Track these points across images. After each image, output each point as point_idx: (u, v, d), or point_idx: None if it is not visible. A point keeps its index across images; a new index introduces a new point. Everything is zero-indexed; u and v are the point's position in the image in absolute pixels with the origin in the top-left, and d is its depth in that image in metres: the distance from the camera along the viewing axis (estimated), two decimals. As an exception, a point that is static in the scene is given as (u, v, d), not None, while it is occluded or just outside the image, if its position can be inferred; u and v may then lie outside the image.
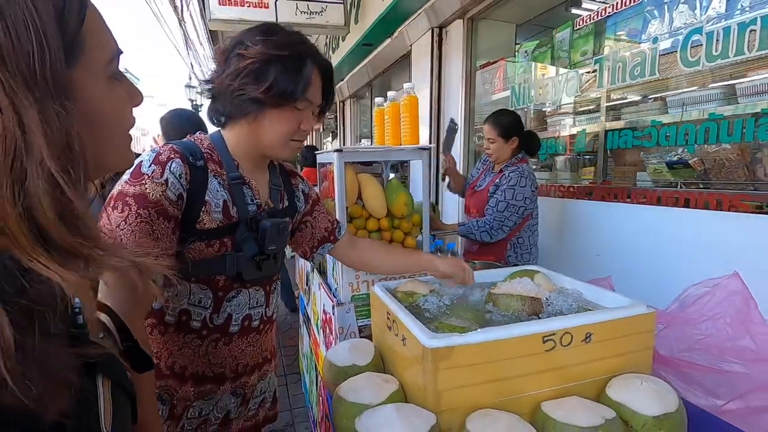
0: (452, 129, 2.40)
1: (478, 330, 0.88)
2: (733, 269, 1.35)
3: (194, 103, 10.29)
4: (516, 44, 3.14)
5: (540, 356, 0.91)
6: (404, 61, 4.51)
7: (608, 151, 2.32)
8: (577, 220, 2.46)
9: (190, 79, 9.96)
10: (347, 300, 1.51)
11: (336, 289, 1.56)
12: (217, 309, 0.90)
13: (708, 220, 1.76)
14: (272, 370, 1.11)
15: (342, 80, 5.89)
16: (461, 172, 2.73)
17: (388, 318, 1.13)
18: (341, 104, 7.48)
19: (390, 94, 1.67)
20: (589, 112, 2.44)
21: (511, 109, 2.98)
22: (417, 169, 1.62)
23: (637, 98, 2.16)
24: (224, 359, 0.91)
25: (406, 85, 1.55)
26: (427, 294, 1.26)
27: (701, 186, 1.85)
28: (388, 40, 4.12)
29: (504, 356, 0.88)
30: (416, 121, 1.55)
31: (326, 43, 5.65)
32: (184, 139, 0.92)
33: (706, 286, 1.48)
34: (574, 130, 2.55)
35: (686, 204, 1.84)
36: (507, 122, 2.18)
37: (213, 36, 6.45)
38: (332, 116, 7.76)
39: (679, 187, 1.92)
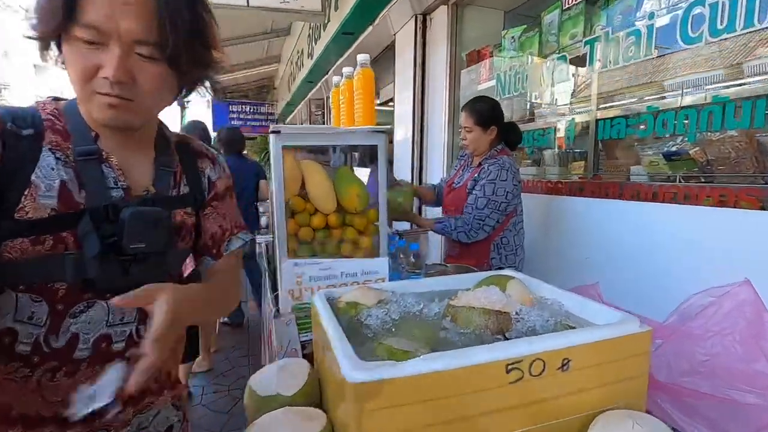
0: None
1: (421, 357, 0.65)
2: (742, 275, 1.13)
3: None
4: (503, 30, 2.92)
5: (503, 390, 0.68)
6: (390, 52, 4.29)
7: (600, 143, 2.10)
8: (565, 218, 2.23)
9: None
10: (288, 310, 1.28)
11: (277, 296, 1.33)
12: (55, 328, 0.66)
13: (711, 218, 1.54)
14: (168, 401, 0.87)
15: (327, 73, 5.66)
16: (442, 175, 2.51)
17: (325, 336, 0.90)
18: (329, 99, 7.25)
19: (345, 70, 1.44)
20: (579, 100, 2.22)
21: (497, 99, 2.77)
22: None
23: (631, 82, 1.94)
24: (66, 395, 0.67)
25: (359, 57, 1.32)
26: (372, 306, 1.03)
27: (703, 180, 1.63)
28: (370, 29, 3.89)
29: (455, 391, 0.65)
30: (371, 99, 1.32)
31: (309, 34, 5.42)
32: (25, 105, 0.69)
33: (711, 296, 1.26)
34: (562, 121, 2.33)
35: (686, 200, 1.62)
36: (485, 109, 1.96)
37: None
38: (320, 112, 7.53)
39: (678, 181, 1.70)
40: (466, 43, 3.29)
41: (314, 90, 6.74)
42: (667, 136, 1.73)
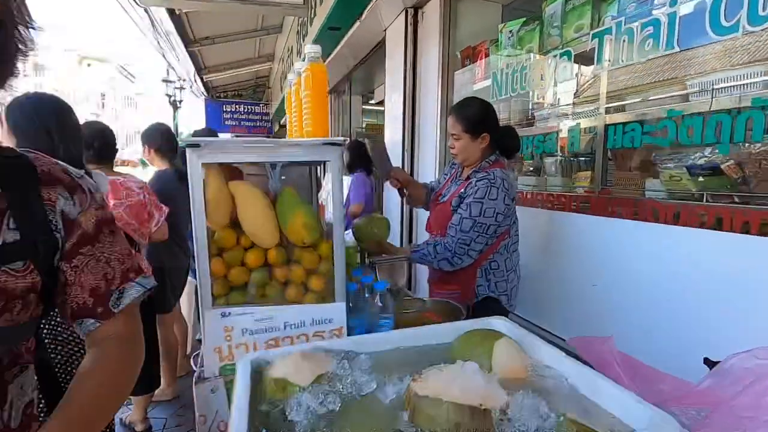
0: (376, 150, 1.91)
1: None
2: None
3: (173, 98, 9.77)
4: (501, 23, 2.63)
5: None
6: (383, 50, 4.01)
7: (609, 152, 1.81)
8: (568, 238, 1.95)
9: (167, 73, 9.43)
10: (214, 373, 1.00)
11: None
12: None
13: (749, 249, 1.25)
14: None
15: (317, 73, 5.37)
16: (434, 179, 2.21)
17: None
18: (322, 101, 6.95)
19: (297, 66, 1.16)
20: (585, 102, 1.94)
21: (493, 100, 2.48)
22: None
23: (648, 82, 1.65)
24: None
25: (308, 49, 1.04)
26: (307, 386, 0.76)
27: (738, 200, 1.34)
28: (358, 23, 3.61)
29: None
30: (323, 102, 1.04)
31: (298, 30, 5.13)
32: None
33: (759, 358, 0.97)
34: (566, 125, 2.04)
35: (717, 225, 1.33)
36: (474, 114, 1.68)
37: (181, 28, 5.94)
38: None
39: (705, 200, 1.41)
40: (462, 39, 3.00)
41: (306, 90, 6.45)
42: (692, 145, 1.44)
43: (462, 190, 1.70)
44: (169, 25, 5.54)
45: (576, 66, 1.93)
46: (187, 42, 6.40)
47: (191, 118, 10.18)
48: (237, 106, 10.19)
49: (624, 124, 1.67)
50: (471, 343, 0.95)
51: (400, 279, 1.47)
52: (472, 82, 2.84)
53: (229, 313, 0.98)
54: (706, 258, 1.38)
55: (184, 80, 9.58)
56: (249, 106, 10.30)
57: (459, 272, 1.70)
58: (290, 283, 1.05)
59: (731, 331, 1.30)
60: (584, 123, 1.92)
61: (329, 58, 4.59)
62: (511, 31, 2.44)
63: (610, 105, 1.78)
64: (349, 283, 1.14)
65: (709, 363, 1.41)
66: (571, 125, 1.98)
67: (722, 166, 1.35)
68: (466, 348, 0.95)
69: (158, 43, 7.12)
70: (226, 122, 10.10)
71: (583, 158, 2.10)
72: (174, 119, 10.04)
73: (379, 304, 1.12)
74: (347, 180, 3.61)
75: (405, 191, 1.93)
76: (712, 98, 1.38)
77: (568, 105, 2.05)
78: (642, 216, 1.59)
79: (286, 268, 1.04)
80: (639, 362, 1.10)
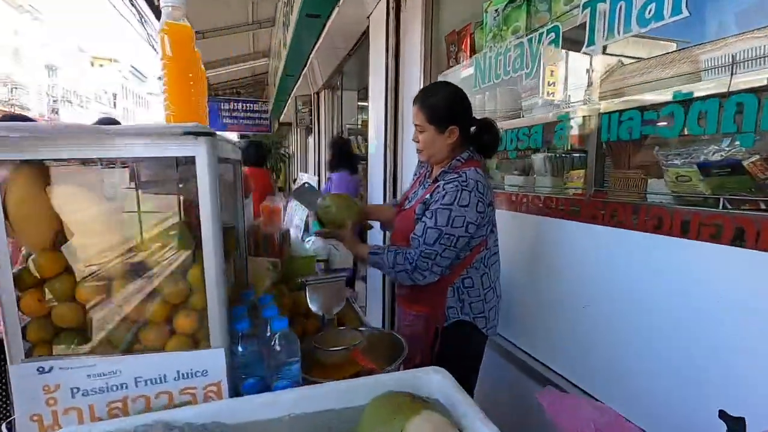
0: (301, 193, 1.67)
1: None
2: None
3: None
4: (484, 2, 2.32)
5: None
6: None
7: (604, 146, 1.50)
8: (557, 249, 1.64)
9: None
10: (31, 449, 0.73)
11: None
12: None
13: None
14: None
15: (305, 66, 5.11)
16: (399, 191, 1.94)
17: None
18: (315, 96, 6.71)
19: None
20: (576, 86, 1.63)
21: (475, 89, 2.18)
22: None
23: (651, 56, 1.34)
24: None
25: (163, 3, 0.76)
26: None
27: (765, 207, 1.03)
28: (337, 10, 3.32)
29: None
30: (188, 74, 0.76)
31: (283, 21, 4.87)
32: None
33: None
34: (554, 115, 1.73)
35: (738, 239, 1.02)
36: (441, 102, 1.39)
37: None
38: (306, 109, 6.99)
39: (721, 206, 1.10)
40: (446, 24, 2.71)
41: (298, 85, 6.20)
42: (705, 136, 1.13)
43: (428, 195, 1.42)
44: (152, 18, 5.31)
45: (565, 44, 1.62)
46: (176, 36, 6.17)
47: (191, 117, 9.95)
48: (235, 104, 9.96)
49: (621, 111, 1.36)
50: (378, 418, 0.67)
51: (336, 304, 1.19)
52: (459, 69, 2.54)
53: (50, 368, 0.71)
54: (722, 281, 1.07)
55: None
56: (247, 104, 10.08)
57: (428, 290, 1.43)
58: (148, 323, 0.78)
59: (752, 376, 1.00)
60: (574, 112, 1.61)
61: (315, 48, 4.31)
62: (496, 10, 2.13)
63: (605, 90, 1.47)
64: (239, 319, 0.86)
65: (727, 418, 1.10)
66: (559, 114, 1.67)
67: (744, 163, 1.04)
68: (370, 426, 0.66)
69: (149, 37, 6.94)
70: (225, 120, 9.90)
71: (577, 154, 1.79)
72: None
73: (277, 348, 0.84)
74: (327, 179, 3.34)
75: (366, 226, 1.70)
76: (732, 74, 1.06)
77: (555, 91, 1.74)
78: (641, 225, 1.28)
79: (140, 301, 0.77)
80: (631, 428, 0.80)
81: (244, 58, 8.29)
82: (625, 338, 1.35)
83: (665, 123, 1.21)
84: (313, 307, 1.18)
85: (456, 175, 1.35)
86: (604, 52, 1.47)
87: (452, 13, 2.72)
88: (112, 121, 2.75)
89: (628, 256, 1.33)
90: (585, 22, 1.46)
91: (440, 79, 2.66)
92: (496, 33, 2.11)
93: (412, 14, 2.80)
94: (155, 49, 6.96)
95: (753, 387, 1.00)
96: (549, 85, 1.79)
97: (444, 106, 1.39)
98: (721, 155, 1.08)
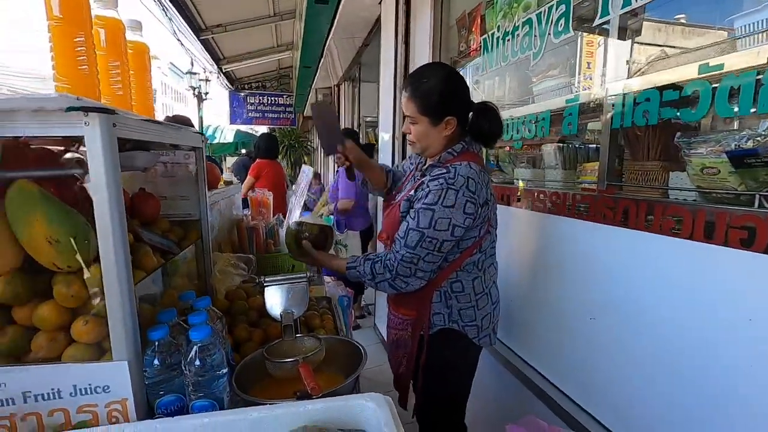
0: (321, 116, 1.45)
1: None
2: None
3: (197, 90, 9.79)
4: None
5: None
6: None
7: (618, 134, 1.30)
8: (561, 251, 1.45)
9: (191, 65, 9.41)
10: None
11: None
12: None
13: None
14: None
15: (321, 56, 5.01)
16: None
17: None
18: (336, 88, 6.62)
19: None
20: (588, 66, 1.42)
21: (482, 74, 2.00)
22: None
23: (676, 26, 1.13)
24: None
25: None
26: None
27: (813, 207, 0.82)
28: (346, -5, 3.19)
29: None
30: (71, 40, 0.64)
31: (300, 12, 4.77)
32: None
33: None
34: (563, 99, 1.53)
35: (776, 247, 0.82)
36: (435, 90, 1.21)
37: (189, 15, 5.75)
38: (328, 101, 6.91)
39: (757, 205, 0.89)
40: (461, 5, 2.52)
41: (318, 77, 6.12)
42: (736, 120, 0.93)
43: (412, 191, 1.27)
44: (172, 13, 5.35)
45: (576, 16, 1.42)
46: (198, 30, 6.22)
47: (221, 110, 10.21)
48: (260, 98, 10.05)
49: (637, 92, 1.16)
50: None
51: (296, 308, 1.07)
52: (468, 54, 2.35)
53: None
54: (754, 296, 0.87)
55: (211, 72, 9.55)
56: (272, 98, 10.15)
57: (416, 295, 1.28)
58: (40, 332, 0.68)
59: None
60: (584, 94, 1.41)
61: (330, 38, 4.19)
62: (508, -14, 1.93)
63: (619, 68, 1.26)
64: (156, 327, 0.75)
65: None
66: (568, 98, 1.47)
67: (787, 152, 0.83)
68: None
69: (175, 32, 7.03)
70: (250, 114, 10.00)
71: (593, 145, 1.59)
72: (199, 111, 10.07)
73: (196, 362, 0.72)
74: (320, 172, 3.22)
75: (355, 172, 1.50)
76: (772, 40, 0.85)
77: (567, 75, 1.54)
78: (658, 227, 1.08)
79: (27, 307, 0.67)
80: None
81: (268, 51, 8.30)
82: (636, 357, 1.15)
83: (688, 103, 1.01)
84: (270, 311, 1.07)
85: (444, 171, 1.18)
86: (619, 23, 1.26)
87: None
88: (186, 121, 2.75)
89: (640, 262, 1.14)
90: (599, -9, 1.26)
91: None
92: (507, 11, 1.91)
93: (422, -3, 2.63)
94: (180, 42, 7.06)
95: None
96: (560, 65, 1.59)
97: (438, 93, 1.21)
98: (757, 141, 0.88)
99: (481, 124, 1.27)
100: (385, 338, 1.42)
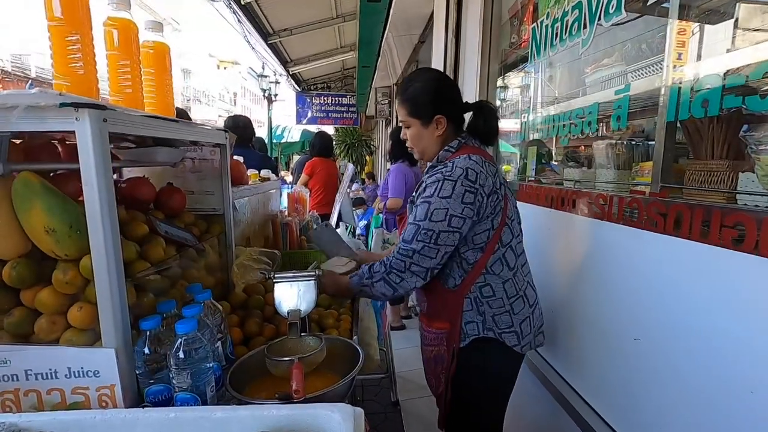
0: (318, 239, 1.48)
1: None
2: None
3: (267, 93, 10.33)
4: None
5: None
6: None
7: (675, 128, 1.12)
8: (606, 261, 1.29)
9: (263, 68, 9.97)
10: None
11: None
12: None
13: None
14: None
15: (378, 55, 5.03)
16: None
17: None
18: (395, 87, 6.61)
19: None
20: (644, 52, 1.25)
21: (530, 65, 1.86)
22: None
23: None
24: None
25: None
26: None
27: None
28: (397, -7, 3.15)
29: None
30: (64, 41, 0.67)
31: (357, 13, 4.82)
32: None
33: None
34: (614, 91, 1.36)
35: None
36: (420, 91, 1.22)
37: (258, 21, 6.07)
38: (386, 101, 6.93)
39: (843, 216, 0.71)
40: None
41: (377, 76, 6.16)
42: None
43: (414, 193, 1.24)
44: (243, 19, 5.67)
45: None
46: (266, 35, 6.55)
47: (291, 111, 10.72)
48: (325, 98, 10.36)
49: (696, 80, 0.98)
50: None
51: (303, 306, 1.05)
52: (519, 45, 2.21)
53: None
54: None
55: (281, 74, 10.03)
56: (336, 98, 10.42)
57: (447, 303, 1.22)
58: (43, 315, 0.72)
59: None
60: (638, 84, 1.24)
61: (385, 37, 4.19)
62: (562, -30, 1.77)
63: (679, 54, 1.09)
64: (150, 317, 0.77)
65: None
66: (618, 89, 1.30)
67: None
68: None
69: (247, 37, 7.48)
70: (315, 114, 10.36)
71: (651, 141, 1.40)
72: (268, 112, 10.63)
73: (180, 355, 0.73)
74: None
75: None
76: None
77: (619, 62, 1.36)
78: (714, 238, 0.91)
79: (31, 291, 0.71)
80: None
81: (332, 52, 8.52)
82: (690, 389, 0.99)
83: (760, 89, 0.83)
84: (278, 308, 1.06)
85: (440, 167, 1.17)
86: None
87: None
88: (246, 122, 3.03)
89: (701, 278, 0.97)
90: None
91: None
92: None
93: (474, -12, 2.52)
94: (250, 44, 7.48)
95: None
96: (614, 52, 1.42)
97: (424, 94, 1.21)
98: None
99: (477, 123, 1.26)
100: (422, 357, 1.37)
